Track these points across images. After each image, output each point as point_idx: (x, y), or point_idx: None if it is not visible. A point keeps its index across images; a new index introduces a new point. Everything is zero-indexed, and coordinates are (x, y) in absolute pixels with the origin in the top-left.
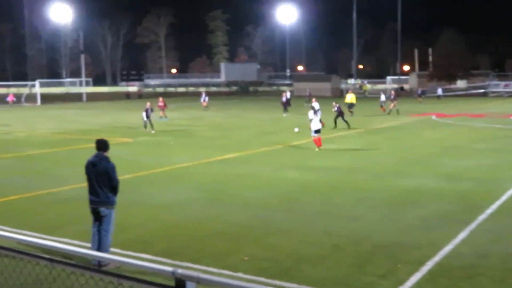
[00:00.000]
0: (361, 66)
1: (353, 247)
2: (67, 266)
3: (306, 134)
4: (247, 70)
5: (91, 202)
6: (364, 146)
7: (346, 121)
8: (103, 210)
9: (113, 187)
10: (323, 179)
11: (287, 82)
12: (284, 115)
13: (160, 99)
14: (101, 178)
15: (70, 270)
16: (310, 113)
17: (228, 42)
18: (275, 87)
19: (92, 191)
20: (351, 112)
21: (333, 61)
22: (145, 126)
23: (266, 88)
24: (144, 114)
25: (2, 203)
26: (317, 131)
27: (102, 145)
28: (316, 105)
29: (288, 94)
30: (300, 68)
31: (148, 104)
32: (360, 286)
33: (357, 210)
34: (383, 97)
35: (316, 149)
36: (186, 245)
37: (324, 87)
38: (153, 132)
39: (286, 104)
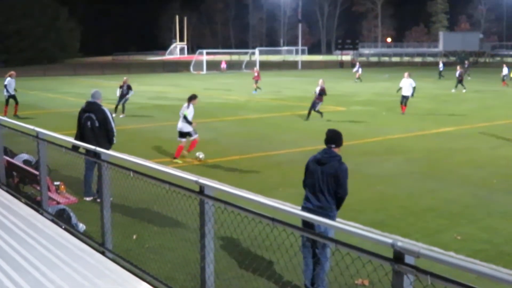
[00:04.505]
0: None
1: None
2: (286, 226)
3: None
4: (468, 40)
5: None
6: None
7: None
8: None
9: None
10: None
11: None
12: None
13: (255, 69)
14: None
15: (289, 230)
16: (187, 109)
17: (449, 10)
18: (498, 58)
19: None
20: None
21: None
22: (116, 109)
23: (488, 59)
24: (118, 91)
25: (224, 162)
26: (182, 135)
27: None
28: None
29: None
30: None
31: (124, 79)
32: None
33: None
34: (505, 70)
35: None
36: (396, 218)
37: None
38: (121, 116)
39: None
